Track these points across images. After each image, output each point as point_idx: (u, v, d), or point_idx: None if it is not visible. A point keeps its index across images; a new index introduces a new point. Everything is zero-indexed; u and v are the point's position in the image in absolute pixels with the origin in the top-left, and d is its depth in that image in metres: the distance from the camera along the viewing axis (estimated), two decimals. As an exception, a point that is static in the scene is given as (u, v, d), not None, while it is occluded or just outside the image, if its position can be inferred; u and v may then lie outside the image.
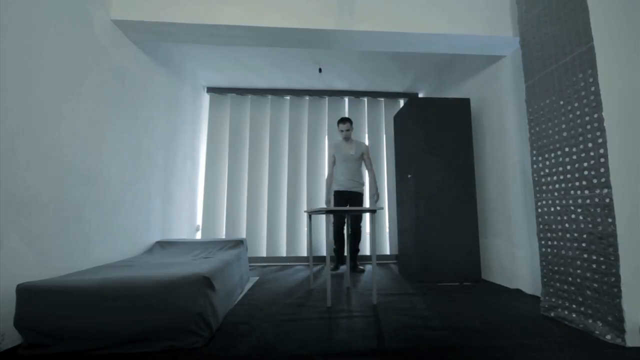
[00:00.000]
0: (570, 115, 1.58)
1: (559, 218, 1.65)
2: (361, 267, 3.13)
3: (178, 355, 1.28)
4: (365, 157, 3.14)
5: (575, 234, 1.55)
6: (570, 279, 1.58)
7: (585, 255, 1.50)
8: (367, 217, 3.73)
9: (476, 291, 2.29)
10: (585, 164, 1.50)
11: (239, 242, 2.53)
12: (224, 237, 3.61)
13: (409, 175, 2.72)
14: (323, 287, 2.41)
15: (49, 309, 1.25)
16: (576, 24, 1.56)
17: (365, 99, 4.02)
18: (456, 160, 2.68)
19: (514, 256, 2.36)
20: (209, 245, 2.46)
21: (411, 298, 2.10)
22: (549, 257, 1.72)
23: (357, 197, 3.11)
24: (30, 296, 1.25)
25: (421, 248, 2.56)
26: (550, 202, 1.71)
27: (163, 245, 2.46)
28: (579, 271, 1.53)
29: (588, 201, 1.48)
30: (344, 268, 3.16)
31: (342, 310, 1.83)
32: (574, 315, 1.55)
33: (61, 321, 1.26)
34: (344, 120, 3.13)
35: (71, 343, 1.27)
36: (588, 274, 1.48)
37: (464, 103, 2.77)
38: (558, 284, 1.66)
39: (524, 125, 2.15)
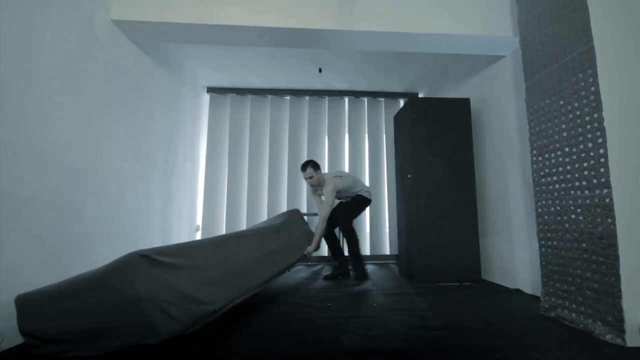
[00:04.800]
0: (570, 115, 1.58)
1: (559, 218, 1.65)
2: (356, 282, 2.53)
3: (176, 353, 1.27)
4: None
5: (575, 234, 1.55)
6: (570, 279, 1.58)
7: (585, 255, 1.50)
8: (367, 215, 3.74)
9: (476, 291, 2.28)
10: (585, 164, 1.50)
11: (283, 215, 2.42)
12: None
13: (409, 175, 2.72)
14: (323, 287, 2.41)
15: (32, 314, 1.25)
16: (576, 24, 1.56)
17: (365, 99, 4.02)
18: (456, 160, 2.68)
19: (514, 256, 2.36)
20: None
21: (411, 298, 2.10)
22: (549, 257, 1.72)
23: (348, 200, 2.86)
24: (26, 304, 1.26)
25: (421, 248, 2.56)
26: (550, 202, 1.71)
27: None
28: (579, 271, 1.53)
29: (588, 201, 1.48)
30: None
31: (342, 310, 1.83)
32: (574, 315, 1.55)
33: (41, 325, 1.24)
34: (302, 167, 2.77)
35: (53, 345, 1.24)
36: (588, 274, 1.48)
37: (464, 103, 2.77)
38: (558, 284, 1.66)
39: (524, 125, 2.15)
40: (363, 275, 2.58)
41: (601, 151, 1.42)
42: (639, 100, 1.44)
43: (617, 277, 1.34)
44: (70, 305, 1.22)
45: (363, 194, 2.81)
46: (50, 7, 1.58)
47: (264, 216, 3.74)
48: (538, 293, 1.94)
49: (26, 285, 1.40)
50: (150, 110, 2.53)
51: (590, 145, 1.48)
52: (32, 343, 1.26)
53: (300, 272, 3.06)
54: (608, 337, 1.36)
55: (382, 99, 4.03)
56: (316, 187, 2.83)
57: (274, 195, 3.78)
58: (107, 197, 1.97)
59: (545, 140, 1.75)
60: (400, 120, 3.03)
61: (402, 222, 2.95)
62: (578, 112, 1.54)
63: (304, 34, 2.22)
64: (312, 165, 2.76)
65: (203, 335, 1.41)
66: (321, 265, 3.39)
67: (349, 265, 2.78)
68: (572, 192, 1.57)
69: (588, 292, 1.48)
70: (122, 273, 1.16)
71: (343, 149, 3.92)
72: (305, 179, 2.78)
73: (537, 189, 1.80)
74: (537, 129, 1.81)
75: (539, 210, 1.78)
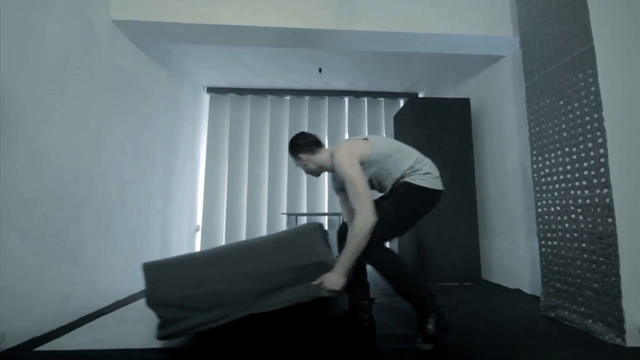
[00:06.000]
0: (570, 115, 1.58)
1: (559, 218, 1.65)
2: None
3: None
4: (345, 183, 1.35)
5: (575, 234, 1.55)
6: (570, 279, 1.58)
7: (585, 255, 1.50)
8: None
9: (476, 291, 2.28)
10: (585, 164, 1.50)
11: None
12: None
13: (409, 175, 2.72)
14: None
15: (177, 280, 1.25)
16: (576, 24, 1.56)
17: (365, 99, 4.02)
18: (456, 160, 2.68)
19: (514, 256, 2.35)
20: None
21: (411, 298, 2.09)
22: (549, 257, 1.72)
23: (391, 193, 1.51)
24: (155, 272, 1.25)
25: (421, 248, 2.56)
26: (550, 202, 1.71)
27: None
28: (579, 271, 1.53)
29: (588, 201, 1.48)
30: None
31: (343, 310, 1.83)
32: (574, 315, 1.55)
33: (191, 289, 1.24)
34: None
35: (204, 313, 1.23)
36: (588, 274, 1.48)
37: (464, 103, 2.77)
38: (558, 284, 1.66)
39: (524, 125, 2.15)
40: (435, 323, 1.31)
41: (601, 151, 1.42)
42: (639, 100, 1.44)
43: (617, 277, 1.34)
44: (236, 269, 1.28)
45: (414, 180, 1.40)
46: (50, 7, 1.58)
47: (263, 216, 3.74)
48: (538, 293, 1.94)
49: (26, 285, 1.41)
50: (150, 110, 2.53)
51: (590, 145, 1.48)
52: (167, 315, 1.21)
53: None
54: (608, 337, 1.36)
55: (382, 99, 4.03)
56: (331, 173, 1.61)
57: (273, 194, 3.78)
58: (106, 197, 1.97)
59: (545, 140, 1.75)
60: (400, 120, 3.03)
61: (402, 222, 2.95)
62: (578, 112, 1.54)
63: (304, 34, 2.22)
64: (291, 149, 1.55)
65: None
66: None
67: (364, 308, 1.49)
68: (572, 192, 1.57)
69: (588, 292, 1.48)
70: (310, 238, 1.34)
71: (343, 149, 3.92)
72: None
73: (537, 189, 1.80)
74: (537, 129, 1.80)
75: (539, 210, 1.78)
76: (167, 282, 1.24)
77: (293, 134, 1.58)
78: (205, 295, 1.23)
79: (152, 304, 1.22)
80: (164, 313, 1.21)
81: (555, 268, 1.68)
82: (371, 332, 1.44)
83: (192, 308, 1.22)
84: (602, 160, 1.41)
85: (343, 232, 1.51)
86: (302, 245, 1.34)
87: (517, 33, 2.04)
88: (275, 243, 1.36)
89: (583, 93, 1.51)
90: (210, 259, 1.31)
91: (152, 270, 1.25)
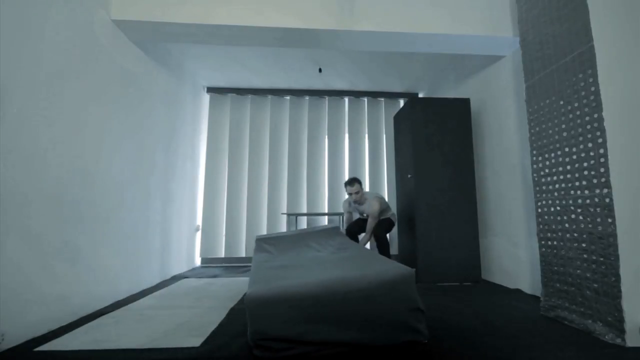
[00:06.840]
0: (570, 115, 1.58)
1: (559, 218, 1.65)
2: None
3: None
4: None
5: (575, 234, 1.55)
6: (570, 279, 1.58)
7: (585, 255, 1.50)
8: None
9: (476, 291, 2.28)
10: (585, 164, 1.50)
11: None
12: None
13: (409, 176, 2.72)
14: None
15: (286, 316, 1.24)
16: (576, 24, 1.56)
17: (365, 99, 4.02)
18: (456, 160, 2.68)
19: (514, 256, 2.35)
20: (314, 235, 2.40)
21: (411, 298, 2.09)
22: (549, 257, 1.72)
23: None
24: (260, 309, 1.24)
25: (421, 248, 2.56)
26: (550, 202, 1.71)
27: (267, 241, 2.31)
28: (579, 271, 1.53)
29: (588, 201, 1.48)
30: None
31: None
32: (574, 315, 1.55)
33: (299, 327, 1.25)
34: (351, 182, 2.81)
35: (309, 345, 1.26)
36: (588, 274, 1.48)
37: (464, 103, 2.77)
38: (558, 284, 1.66)
39: (524, 125, 2.15)
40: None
41: (601, 151, 1.42)
42: (639, 100, 1.44)
43: (617, 277, 1.34)
44: (331, 308, 1.28)
45: (392, 218, 2.92)
46: (50, 7, 1.58)
47: (263, 216, 3.74)
48: (538, 293, 1.94)
49: (26, 285, 1.41)
50: (150, 110, 2.53)
51: (590, 145, 1.48)
52: (274, 346, 1.23)
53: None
54: (608, 337, 1.36)
55: (382, 99, 4.03)
56: (357, 202, 2.88)
57: (273, 194, 3.78)
58: (107, 197, 1.97)
59: (545, 140, 1.75)
60: (400, 120, 3.03)
61: (402, 222, 2.95)
62: (578, 112, 1.54)
63: (304, 34, 2.22)
64: (358, 181, 2.82)
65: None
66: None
67: None
68: (572, 192, 1.57)
69: (588, 292, 1.48)
70: (410, 285, 1.37)
71: (343, 149, 3.92)
72: (350, 193, 2.81)
73: (537, 189, 1.80)
74: (537, 129, 1.81)
75: (539, 210, 1.78)
76: (274, 320, 1.24)
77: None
78: (313, 332, 1.26)
79: (256, 338, 1.23)
80: (271, 345, 1.23)
81: (555, 268, 1.68)
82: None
83: (298, 341, 1.25)
84: (602, 160, 1.41)
85: (352, 232, 2.95)
86: (400, 292, 1.38)
87: (517, 33, 2.04)
88: (379, 287, 1.35)
89: (583, 93, 1.51)
90: (316, 297, 1.28)
91: (257, 309, 1.23)
